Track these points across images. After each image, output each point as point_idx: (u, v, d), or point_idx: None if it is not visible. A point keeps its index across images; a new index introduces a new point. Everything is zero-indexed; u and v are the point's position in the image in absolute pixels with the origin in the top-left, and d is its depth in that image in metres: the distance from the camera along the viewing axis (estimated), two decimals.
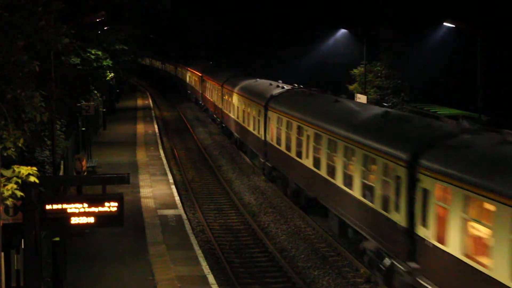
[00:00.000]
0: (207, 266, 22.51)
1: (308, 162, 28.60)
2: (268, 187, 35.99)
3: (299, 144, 30.20)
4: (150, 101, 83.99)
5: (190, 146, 50.95)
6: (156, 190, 33.63)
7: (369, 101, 44.24)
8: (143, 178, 36.18)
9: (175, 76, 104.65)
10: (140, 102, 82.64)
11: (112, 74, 52.96)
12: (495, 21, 55.76)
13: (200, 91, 72.48)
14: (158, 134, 53.29)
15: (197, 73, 75.79)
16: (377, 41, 56.23)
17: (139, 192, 33.10)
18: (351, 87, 56.03)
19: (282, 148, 32.89)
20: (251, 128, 40.74)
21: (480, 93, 33.52)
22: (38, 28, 13.38)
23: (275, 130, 34.50)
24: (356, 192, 22.96)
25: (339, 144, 24.81)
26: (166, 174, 37.42)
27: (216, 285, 20.81)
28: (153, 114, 67.94)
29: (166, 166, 39.85)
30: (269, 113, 35.90)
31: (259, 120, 38.24)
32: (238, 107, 45.88)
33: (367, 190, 22.10)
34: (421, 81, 59.36)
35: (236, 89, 47.42)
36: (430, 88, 60.05)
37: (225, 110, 52.50)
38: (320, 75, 74.53)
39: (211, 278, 21.33)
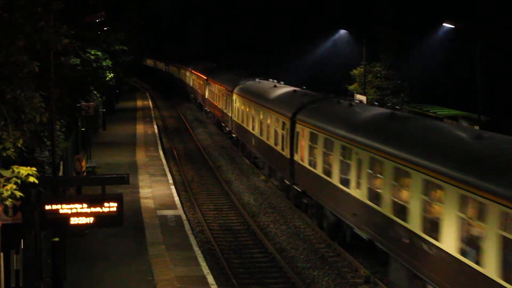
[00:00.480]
0: (207, 267, 22.51)
1: (361, 194, 22.39)
2: (267, 188, 35.97)
3: (345, 169, 23.95)
4: (150, 102, 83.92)
5: (190, 147, 50.95)
6: (156, 190, 33.63)
7: (368, 101, 44.19)
8: (143, 179, 36.17)
9: (179, 79, 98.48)
10: (139, 103, 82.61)
11: (112, 74, 52.97)
12: (495, 21, 55.75)
13: (205, 96, 66.35)
14: (157, 135, 53.28)
15: (202, 76, 69.43)
16: (377, 41, 56.25)
17: (138, 192, 33.10)
18: (350, 87, 56.05)
19: (318, 171, 26.77)
20: (271, 143, 34.63)
21: (480, 93, 33.50)
22: (38, 28, 13.39)
23: (307, 148, 28.34)
24: (447, 245, 16.91)
25: (414, 176, 18.75)
26: (165, 175, 37.42)
27: (216, 286, 20.81)
28: (152, 115, 67.94)
29: (165, 167, 39.84)
30: (298, 127, 29.78)
31: (283, 135, 31.98)
32: (253, 117, 39.71)
33: (470, 245, 16.13)
34: (421, 82, 59.32)
35: (250, 96, 41.66)
36: (430, 88, 59.98)
37: (236, 119, 46.37)
38: (320, 75, 74.57)
39: (210, 279, 21.33)
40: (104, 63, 39.44)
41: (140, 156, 43.25)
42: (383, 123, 23.03)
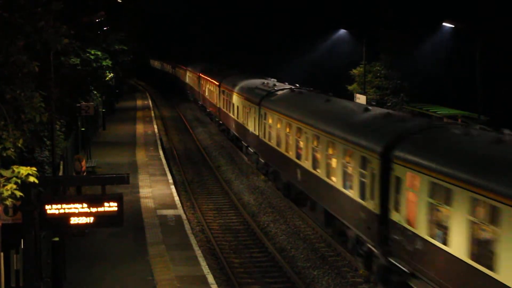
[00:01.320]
0: (207, 266, 22.51)
1: None
2: (267, 187, 35.95)
3: None
4: (150, 102, 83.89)
5: (190, 146, 50.97)
6: (156, 190, 33.63)
7: (368, 101, 44.21)
8: (143, 178, 36.17)
9: (185, 82, 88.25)
10: (139, 102, 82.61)
11: (112, 74, 53.04)
12: (495, 21, 55.85)
13: (217, 105, 56.44)
14: (157, 135, 53.30)
15: (213, 81, 59.42)
16: (377, 41, 56.31)
17: (138, 192, 33.09)
18: (350, 87, 56.10)
19: (456, 251, 16.41)
20: (337, 184, 24.64)
21: (480, 93, 33.52)
22: (38, 29, 13.41)
23: (424, 207, 18.16)
24: None
25: None
26: (165, 174, 37.41)
27: (216, 285, 20.81)
28: (152, 115, 67.95)
29: (165, 166, 39.83)
30: (399, 170, 19.64)
31: (364, 177, 21.92)
32: (298, 142, 30.05)
33: None
34: (421, 81, 59.43)
35: (293, 113, 31.42)
36: (430, 88, 60.11)
37: (266, 140, 36.16)
38: (319, 75, 74.70)
39: (210, 278, 21.33)
40: (104, 63, 39.49)
41: (140, 156, 43.25)
42: None
